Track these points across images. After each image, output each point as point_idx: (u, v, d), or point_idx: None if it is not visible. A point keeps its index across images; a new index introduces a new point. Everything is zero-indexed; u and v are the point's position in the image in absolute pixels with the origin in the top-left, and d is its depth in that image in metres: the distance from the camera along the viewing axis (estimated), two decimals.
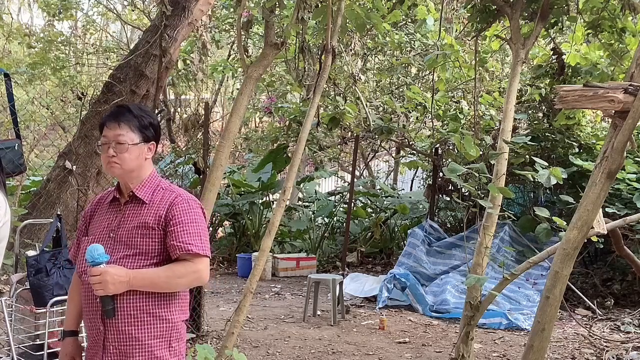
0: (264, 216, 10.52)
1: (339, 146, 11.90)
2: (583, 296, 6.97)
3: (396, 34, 8.79)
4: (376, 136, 8.53)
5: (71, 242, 2.48)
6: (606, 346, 5.54)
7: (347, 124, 8.13)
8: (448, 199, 9.12)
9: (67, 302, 2.45)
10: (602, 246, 6.29)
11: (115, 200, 2.30)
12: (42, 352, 3.60)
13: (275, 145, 10.03)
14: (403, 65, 9.69)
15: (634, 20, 5.63)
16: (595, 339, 5.78)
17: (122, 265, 2.13)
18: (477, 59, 6.58)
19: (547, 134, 7.72)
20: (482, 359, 5.28)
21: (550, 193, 7.82)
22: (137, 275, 2.11)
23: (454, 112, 8.20)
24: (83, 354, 2.38)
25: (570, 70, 6.98)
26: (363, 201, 11.68)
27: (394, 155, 13.32)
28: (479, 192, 4.05)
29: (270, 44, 4.50)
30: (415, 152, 9.85)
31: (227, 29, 10.78)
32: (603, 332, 6.10)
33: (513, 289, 6.89)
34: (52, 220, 4.61)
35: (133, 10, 12.65)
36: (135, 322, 2.14)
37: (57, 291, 3.67)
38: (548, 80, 7.62)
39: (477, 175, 4.01)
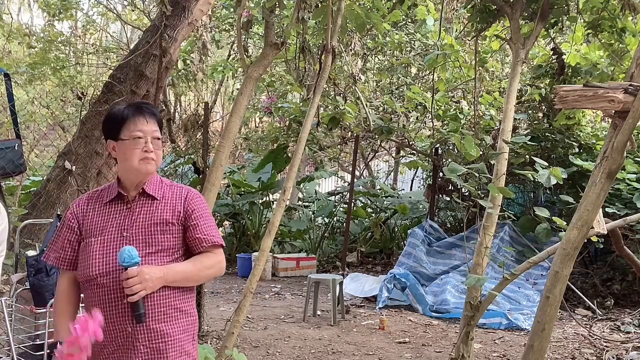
0: (264, 216, 10.53)
1: (339, 146, 11.91)
2: (583, 296, 6.97)
3: (396, 34, 8.80)
4: (376, 136, 8.53)
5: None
6: (606, 346, 5.54)
7: (347, 124, 8.13)
8: (448, 199, 9.12)
9: (55, 313, 2.26)
10: (602, 246, 6.28)
11: (117, 198, 2.22)
12: (42, 352, 3.60)
13: (275, 145, 10.04)
14: (403, 65, 9.69)
15: (634, 20, 5.63)
16: (595, 339, 5.79)
17: (147, 264, 2.10)
18: (477, 59, 6.59)
19: (547, 134, 7.72)
20: (482, 359, 5.27)
21: (550, 193, 7.82)
22: (170, 271, 2.11)
23: (454, 112, 8.20)
24: None
25: (570, 70, 6.98)
26: (363, 201, 11.68)
27: (394, 155, 13.33)
28: (479, 192, 4.05)
29: (270, 44, 4.50)
30: (415, 152, 9.85)
31: (227, 29, 10.79)
32: (603, 332, 6.10)
33: (513, 289, 6.89)
34: (52, 220, 4.62)
35: (133, 10, 12.66)
36: (165, 319, 2.12)
37: None
38: (548, 80, 7.63)
39: (477, 175, 4.01)
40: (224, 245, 2.26)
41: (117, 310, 2.10)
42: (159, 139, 2.21)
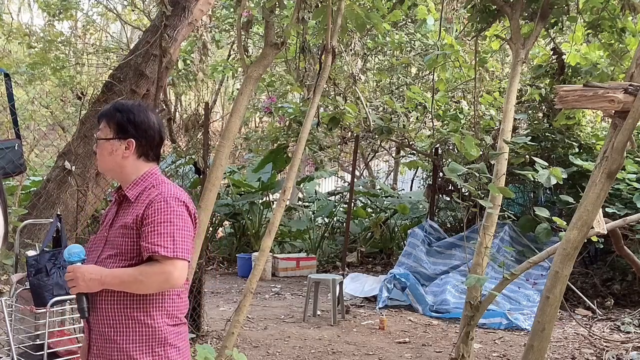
0: (264, 216, 10.52)
1: (339, 146, 11.90)
2: (583, 296, 6.97)
3: (396, 34, 8.79)
4: (376, 136, 8.53)
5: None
6: (606, 346, 5.55)
7: (347, 124, 8.12)
8: (448, 199, 9.12)
9: None
10: (602, 246, 6.28)
11: (116, 200, 2.32)
12: (42, 352, 3.60)
13: (275, 145, 10.03)
14: (403, 65, 9.69)
15: (634, 20, 5.63)
16: (595, 339, 5.79)
17: (105, 265, 2.13)
18: (477, 59, 6.58)
19: (547, 134, 7.72)
20: (482, 359, 5.28)
21: (550, 193, 7.82)
22: (109, 274, 2.09)
23: (454, 112, 8.20)
24: None
25: (570, 70, 6.98)
26: (363, 201, 11.68)
27: (394, 155, 13.33)
28: (479, 192, 4.05)
29: (270, 44, 4.50)
30: (415, 152, 9.85)
31: (227, 29, 10.78)
32: (603, 332, 6.10)
33: (513, 289, 6.89)
34: (52, 220, 4.61)
35: (133, 10, 12.66)
36: (113, 325, 2.11)
37: (57, 291, 3.67)
38: (548, 80, 7.62)
39: (477, 175, 4.01)
40: (176, 256, 2.07)
41: None
42: (97, 139, 2.24)
